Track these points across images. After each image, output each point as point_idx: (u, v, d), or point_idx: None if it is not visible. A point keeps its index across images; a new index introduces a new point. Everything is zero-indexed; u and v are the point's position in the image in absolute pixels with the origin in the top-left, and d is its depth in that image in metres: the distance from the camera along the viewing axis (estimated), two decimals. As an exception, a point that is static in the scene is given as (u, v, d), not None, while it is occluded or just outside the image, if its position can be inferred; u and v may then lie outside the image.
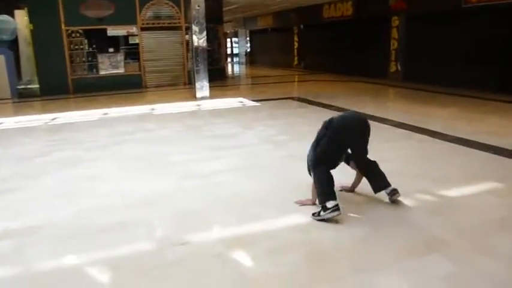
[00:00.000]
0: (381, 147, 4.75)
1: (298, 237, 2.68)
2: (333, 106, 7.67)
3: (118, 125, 6.58)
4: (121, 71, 12.17)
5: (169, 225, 2.89)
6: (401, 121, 6.28)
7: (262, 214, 3.01)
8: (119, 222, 2.93)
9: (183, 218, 2.99)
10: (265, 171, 4.00)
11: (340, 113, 3.23)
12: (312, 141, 3.14)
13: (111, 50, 11.95)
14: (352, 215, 2.97)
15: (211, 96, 10.03)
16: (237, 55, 33.84)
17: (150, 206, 3.24)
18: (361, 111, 7.09)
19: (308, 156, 3.10)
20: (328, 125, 3.01)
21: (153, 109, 8.50)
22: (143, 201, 3.32)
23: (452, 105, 7.89)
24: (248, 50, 30.36)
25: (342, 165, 3.23)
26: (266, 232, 2.75)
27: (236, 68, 29.93)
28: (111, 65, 12.05)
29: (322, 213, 2.83)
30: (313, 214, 2.89)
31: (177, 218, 2.99)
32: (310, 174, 3.07)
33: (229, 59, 36.37)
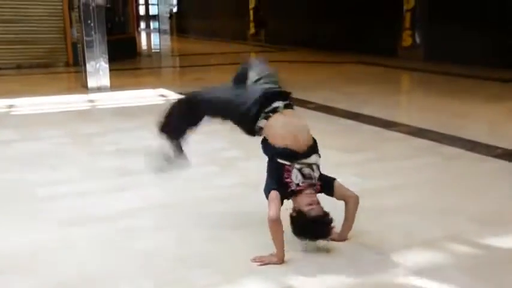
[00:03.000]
0: (389, 167, 4.94)
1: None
2: (311, 103, 7.89)
3: None
4: None
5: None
6: (422, 126, 6.57)
7: (197, 280, 3.01)
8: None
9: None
10: (203, 211, 4.02)
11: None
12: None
13: None
14: (337, 276, 3.03)
15: (114, 87, 9.95)
16: (155, 18, 33.67)
17: (8, 274, 3.13)
18: (357, 111, 7.37)
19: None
20: None
21: (11, 106, 8.30)
22: (-4, 266, 3.21)
23: (507, 98, 8.31)
24: (175, 10, 30.41)
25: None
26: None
27: (155, 39, 29.84)
28: None
29: None
30: None
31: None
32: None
33: (142, 25, 36.10)
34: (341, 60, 14.46)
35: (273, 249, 3.18)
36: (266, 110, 3.26)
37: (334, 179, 3.37)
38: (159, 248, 3.42)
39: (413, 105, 8.63)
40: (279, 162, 3.20)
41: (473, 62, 11.41)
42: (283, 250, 3.15)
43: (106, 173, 4.94)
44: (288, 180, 3.17)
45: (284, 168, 3.18)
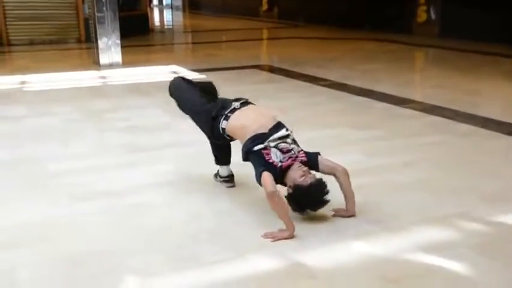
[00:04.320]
0: (401, 144, 4.94)
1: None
2: (325, 80, 7.85)
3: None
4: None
5: (52, 281, 2.85)
6: (435, 103, 6.56)
7: (206, 256, 3.04)
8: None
9: (76, 267, 2.96)
10: (213, 188, 4.05)
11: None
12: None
13: None
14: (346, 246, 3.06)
15: (126, 63, 9.96)
16: (168, -6, 33.48)
17: (19, 247, 3.18)
18: (371, 88, 7.33)
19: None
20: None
21: (23, 82, 8.35)
22: (7, 240, 3.26)
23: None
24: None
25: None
26: (213, 286, 2.78)
27: (167, 15, 29.78)
28: None
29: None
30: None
31: (67, 267, 2.95)
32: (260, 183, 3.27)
33: (155, 1, 36.06)
34: (355, 36, 14.34)
35: (280, 225, 3.21)
36: (225, 112, 3.53)
37: (318, 153, 3.41)
38: (168, 224, 3.45)
39: (427, 82, 8.56)
40: (255, 151, 3.31)
41: (488, 39, 11.28)
42: (292, 223, 3.18)
43: (116, 149, 4.98)
44: (271, 161, 3.25)
45: (262, 153, 3.28)
